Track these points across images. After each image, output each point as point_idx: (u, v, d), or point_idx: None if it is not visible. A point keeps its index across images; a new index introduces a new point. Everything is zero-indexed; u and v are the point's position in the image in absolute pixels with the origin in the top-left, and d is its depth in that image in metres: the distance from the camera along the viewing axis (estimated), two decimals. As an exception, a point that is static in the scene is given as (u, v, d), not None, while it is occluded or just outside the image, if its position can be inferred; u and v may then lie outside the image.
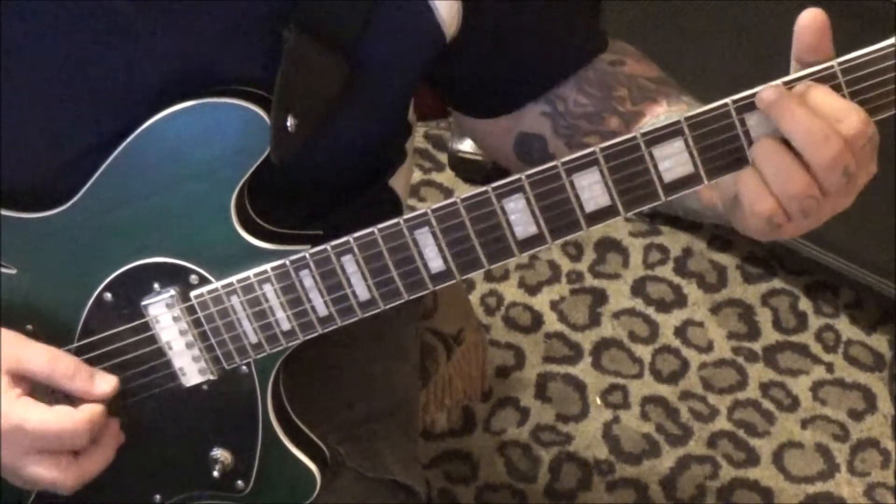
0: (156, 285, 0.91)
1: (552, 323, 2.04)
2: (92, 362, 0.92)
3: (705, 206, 0.90)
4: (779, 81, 0.78)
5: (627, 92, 0.97)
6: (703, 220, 0.94)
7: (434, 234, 0.85)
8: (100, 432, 0.89)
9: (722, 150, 0.80)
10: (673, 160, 0.81)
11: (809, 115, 0.76)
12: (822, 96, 0.77)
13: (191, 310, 0.91)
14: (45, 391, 0.89)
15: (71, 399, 0.89)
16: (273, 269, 0.89)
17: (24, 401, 0.86)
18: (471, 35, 0.94)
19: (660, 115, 0.95)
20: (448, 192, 2.22)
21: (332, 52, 0.87)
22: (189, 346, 0.92)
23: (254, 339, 0.91)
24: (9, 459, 0.87)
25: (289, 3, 0.86)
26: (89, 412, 0.87)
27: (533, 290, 2.08)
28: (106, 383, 0.89)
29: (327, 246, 0.88)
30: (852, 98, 0.77)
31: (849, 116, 0.76)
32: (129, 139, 0.87)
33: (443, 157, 2.28)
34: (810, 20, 0.76)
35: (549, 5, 0.98)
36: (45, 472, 0.87)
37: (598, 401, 1.94)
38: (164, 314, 0.91)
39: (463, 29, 0.94)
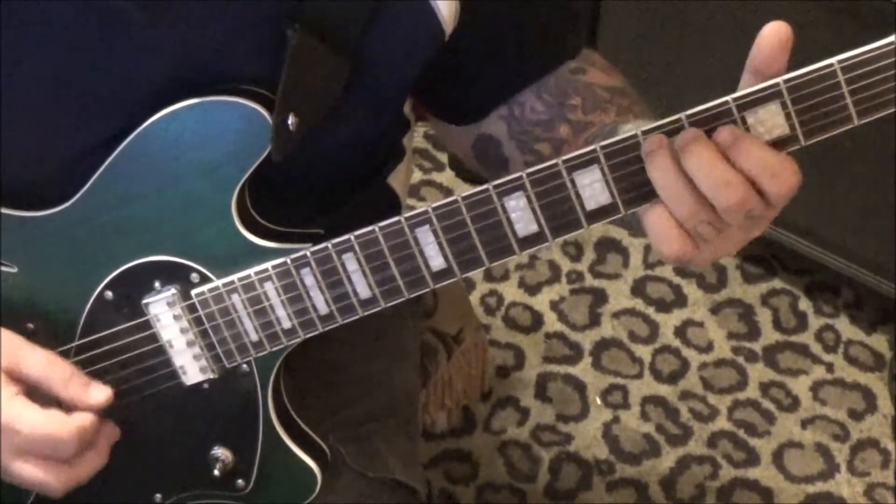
0: (156, 283, 0.91)
1: (552, 323, 2.04)
2: (92, 360, 0.93)
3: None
4: (775, 80, 0.77)
5: (581, 101, 0.98)
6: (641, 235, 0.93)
7: (435, 232, 0.85)
8: (92, 438, 0.89)
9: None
10: (673, 158, 0.81)
11: (717, 164, 0.76)
12: (756, 150, 0.77)
13: (191, 308, 0.91)
14: (40, 396, 0.88)
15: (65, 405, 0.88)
16: (274, 267, 0.89)
17: (19, 400, 0.86)
18: (450, 40, 0.94)
19: (606, 125, 0.95)
20: (448, 192, 2.22)
21: (335, 52, 0.87)
22: (190, 344, 0.92)
23: (254, 337, 0.92)
24: (2, 458, 0.87)
25: (293, 2, 0.86)
26: (80, 421, 0.86)
27: (533, 290, 2.09)
28: (100, 393, 0.89)
29: (328, 244, 0.88)
30: (851, 96, 0.77)
31: (784, 171, 0.77)
32: (130, 137, 0.87)
33: (443, 157, 2.28)
34: (775, 31, 0.76)
35: (527, 11, 0.98)
36: (32, 474, 0.87)
37: (598, 401, 1.94)
38: (164, 312, 0.91)
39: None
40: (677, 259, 0.81)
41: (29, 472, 0.87)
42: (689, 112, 0.80)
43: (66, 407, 0.88)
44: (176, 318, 0.91)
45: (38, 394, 0.88)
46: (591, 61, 1.02)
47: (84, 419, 0.87)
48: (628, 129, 0.81)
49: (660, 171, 0.78)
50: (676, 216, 0.79)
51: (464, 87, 1.01)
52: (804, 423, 1.92)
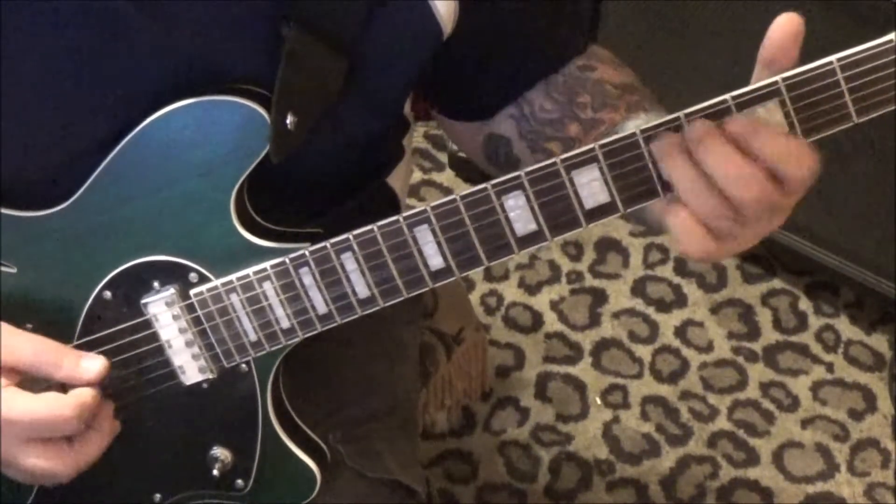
0: (155, 283, 0.91)
1: (552, 323, 2.04)
2: (91, 360, 0.92)
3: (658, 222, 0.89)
4: (774, 79, 0.77)
5: (590, 99, 0.97)
6: (657, 233, 0.93)
7: (433, 232, 0.85)
8: (93, 416, 0.88)
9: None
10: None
11: (733, 158, 0.76)
12: (772, 138, 0.76)
13: (190, 308, 0.91)
14: (40, 383, 0.88)
15: (64, 387, 0.88)
16: (272, 266, 0.89)
17: (9, 390, 0.85)
18: (455, 37, 0.94)
19: (617, 123, 0.95)
20: (448, 192, 2.21)
21: (331, 50, 0.87)
22: (188, 344, 0.92)
23: (253, 337, 0.91)
24: (5, 452, 0.87)
25: (288, 0, 0.86)
26: (78, 396, 0.86)
27: (533, 290, 2.09)
28: (93, 365, 0.88)
29: (327, 244, 0.88)
30: (850, 94, 0.77)
31: (803, 154, 0.76)
32: (128, 137, 0.87)
33: (443, 157, 2.28)
34: (786, 23, 0.76)
35: (532, 8, 0.98)
36: (40, 462, 0.87)
37: (598, 401, 1.94)
38: (163, 312, 0.91)
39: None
40: (702, 258, 0.81)
41: (34, 461, 0.87)
42: (688, 111, 0.80)
43: (66, 389, 0.88)
44: (175, 317, 0.91)
45: (35, 382, 0.88)
46: (599, 57, 1.02)
47: (82, 394, 0.86)
48: (633, 127, 0.81)
49: (679, 171, 0.78)
50: (699, 215, 0.79)
51: (471, 85, 1.01)
52: (804, 423, 1.92)
